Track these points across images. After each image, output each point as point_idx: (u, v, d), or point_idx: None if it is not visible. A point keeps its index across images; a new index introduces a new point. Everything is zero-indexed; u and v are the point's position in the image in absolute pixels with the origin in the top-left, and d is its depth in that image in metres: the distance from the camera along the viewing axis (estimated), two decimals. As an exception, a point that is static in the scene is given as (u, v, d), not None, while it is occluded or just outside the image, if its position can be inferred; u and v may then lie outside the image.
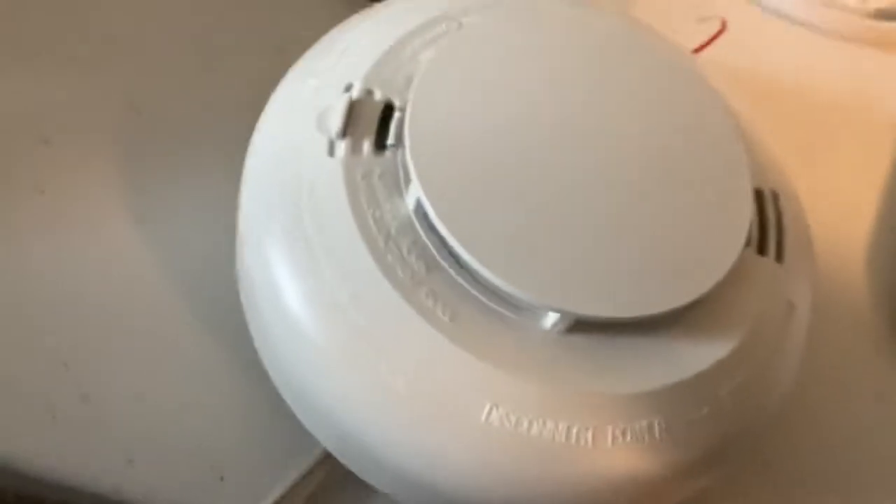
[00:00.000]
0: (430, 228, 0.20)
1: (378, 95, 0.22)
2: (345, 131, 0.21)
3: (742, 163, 0.22)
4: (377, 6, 0.25)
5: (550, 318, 0.19)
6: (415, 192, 0.20)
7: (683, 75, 0.24)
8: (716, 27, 0.31)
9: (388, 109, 0.22)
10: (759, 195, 0.23)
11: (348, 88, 0.22)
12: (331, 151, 0.21)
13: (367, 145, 0.21)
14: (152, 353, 0.24)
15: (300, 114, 0.22)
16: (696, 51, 0.30)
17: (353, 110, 0.21)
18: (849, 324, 0.27)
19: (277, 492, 0.23)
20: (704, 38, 0.31)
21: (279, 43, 0.29)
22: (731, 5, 0.34)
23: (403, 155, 0.21)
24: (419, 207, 0.20)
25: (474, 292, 0.20)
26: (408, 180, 0.20)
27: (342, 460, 0.21)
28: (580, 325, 0.20)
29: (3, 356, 0.23)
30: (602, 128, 0.22)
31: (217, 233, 0.25)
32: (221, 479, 0.23)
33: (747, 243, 0.21)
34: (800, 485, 0.25)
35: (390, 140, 0.21)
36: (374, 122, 0.21)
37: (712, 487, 0.21)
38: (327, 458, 0.23)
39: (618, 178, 0.21)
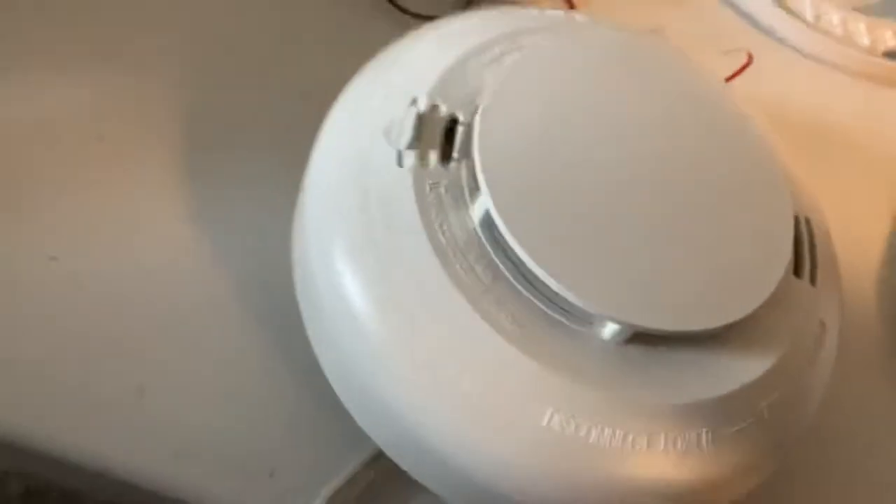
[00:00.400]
0: (496, 239, 0.21)
1: (443, 110, 0.23)
2: (413, 143, 0.22)
3: (783, 190, 0.23)
4: (436, 24, 0.26)
5: (610, 329, 0.20)
6: (483, 204, 0.21)
7: (724, 103, 0.25)
8: (740, 60, 0.32)
9: (451, 123, 0.23)
10: (795, 221, 0.24)
11: (414, 102, 0.23)
12: (399, 162, 0.22)
13: (433, 157, 0.22)
14: (205, 349, 0.25)
15: (366, 124, 0.23)
16: (726, 81, 0.31)
17: (420, 123, 0.22)
18: (863, 343, 0.29)
19: (328, 490, 0.23)
20: (728, 71, 0.32)
21: (330, 54, 0.30)
22: (752, 40, 0.35)
23: (470, 167, 0.22)
24: (486, 218, 0.21)
25: (537, 302, 0.21)
26: (474, 192, 0.21)
27: (397, 460, 0.22)
28: (636, 337, 0.21)
29: (61, 349, 0.24)
30: (656, 149, 0.23)
31: (271, 235, 0.26)
32: (271, 475, 0.23)
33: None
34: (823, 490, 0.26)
35: (455, 153, 0.22)
36: (439, 135, 0.22)
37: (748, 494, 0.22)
38: (378, 458, 0.24)
39: (671, 198, 0.22)
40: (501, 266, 0.21)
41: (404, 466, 0.22)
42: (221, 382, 0.24)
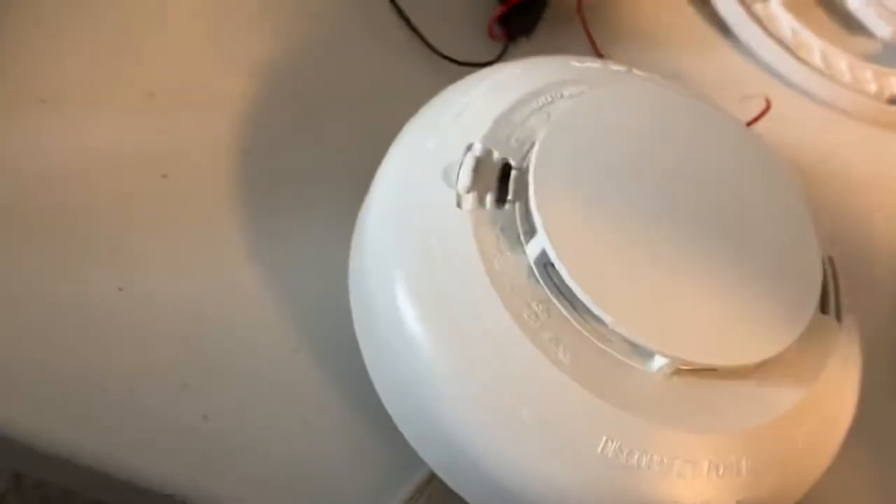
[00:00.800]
0: (551, 277, 0.22)
1: (496, 155, 0.24)
2: (472, 186, 0.23)
3: (811, 232, 0.25)
4: (484, 72, 0.28)
5: (658, 362, 0.22)
6: (539, 242, 0.22)
7: (756, 147, 0.27)
8: (759, 105, 0.34)
9: (506, 168, 0.24)
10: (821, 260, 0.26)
11: (470, 147, 0.24)
12: (459, 203, 0.23)
13: (489, 200, 0.23)
14: (265, 378, 0.26)
15: (424, 168, 0.24)
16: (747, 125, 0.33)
17: (477, 167, 0.24)
18: (877, 383, 0.31)
19: (383, 513, 0.24)
20: (747, 116, 0.34)
21: (380, 100, 0.31)
22: (767, 85, 0.37)
23: (524, 209, 0.23)
24: (542, 256, 0.22)
25: (590, 336, 0.22)
26: (528, 232, 0.23)
27: (451, 484, 0.23)
28: (682, 370, 0.22)
29: (128, 374, 0.25)
30: (697, 192, 0.24)
31: (326, 271, 0.28)
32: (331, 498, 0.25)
33: (814, 303, 0.24)
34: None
35: (510, 196, 0.24)
36: (494, 179, 0.24)
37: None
38: (430, 481, 0.25)
39: (712, 239, 0.24)
40: (556, 302, 0.22)
41: (459, 490, 0.23)
42: (281, 411, 0.26)
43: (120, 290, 0.26)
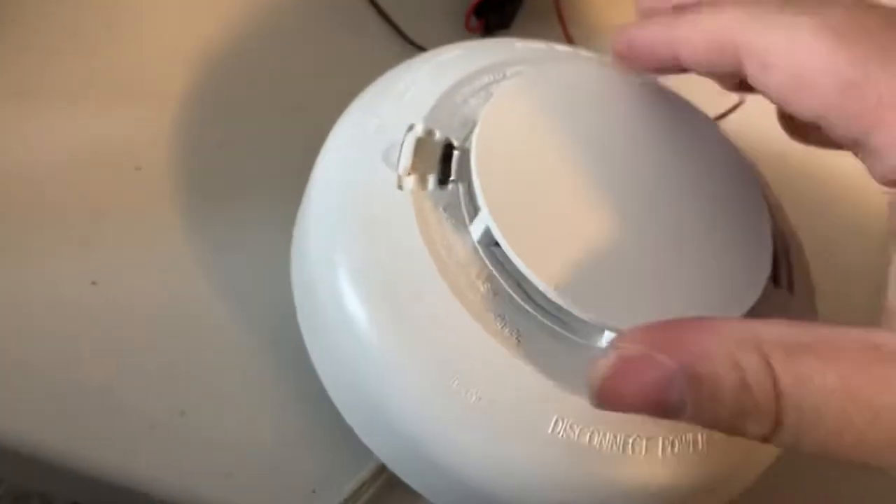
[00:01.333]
0: (496, 255, 0.22)
1: (438, 135, 0.24)
2: (412, 167, 0.23)
3: (762, 208, 0.25)
4: (426, 55, 0.27)
5: (607, 338, 0.21)
6: (482, 220, 0.22)
7: (706, 126, 0.27)
8: (734, 100, 0.34)
9: (447, 148, 0.24)
10: (772, 235, 0.26)
11: (411, 128, 0.24)
12: (400, 185, 0.23)
13: (431, 180, 0.23)
14: (241, 373, 0.26)
15: (365, 150, 0.24)
16: (716, 119, 0.33)
17: (418, 148, 0.23)
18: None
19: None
20: (721, 109, 0.34)
21: (353, 89, 0.31)
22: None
23: (467, 188, 0.23)
24: (486, 235, 0.22)
25: (537, 314, 0.22)
26: (471, 212, 0.22)
27: (400, 474, 0.23)
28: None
29: (104, 370, 0.24)
30: (643, 167, 0.24)
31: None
32: (314, 491, 0.24)
33: (765, 275, 0.24)
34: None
35: (452, 176, 0.23)
36: (436, 159, 0.23)
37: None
38: (380, 473, 0.24)
39: (660, 214, 0.23)
40: (502, 281, 0.22)
41: (408, 479, 0.23)
42: (252, 407, 0.25)
43: (94, 284, 0.25)
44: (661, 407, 0.17)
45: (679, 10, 0.23)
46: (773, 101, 0.22)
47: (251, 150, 0.30)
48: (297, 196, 0.25)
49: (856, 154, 0.20)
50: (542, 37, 0.30)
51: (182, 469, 0.23)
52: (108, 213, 0.27)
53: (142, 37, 0.31)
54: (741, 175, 0.26)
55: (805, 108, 0.20)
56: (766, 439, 0.17)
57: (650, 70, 0.25)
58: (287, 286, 0.25)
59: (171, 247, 0.27)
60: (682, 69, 0.23)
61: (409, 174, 0.23)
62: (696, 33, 0.22)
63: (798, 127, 0.26)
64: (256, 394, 0.25)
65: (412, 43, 0.34)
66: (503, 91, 0.24)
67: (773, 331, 0.17)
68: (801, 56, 0.20)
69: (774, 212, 0.27)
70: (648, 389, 0.17)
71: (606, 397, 0.18)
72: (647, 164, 0.24)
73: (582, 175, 0.23)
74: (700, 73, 0.23)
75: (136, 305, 0.25)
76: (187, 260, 0.27)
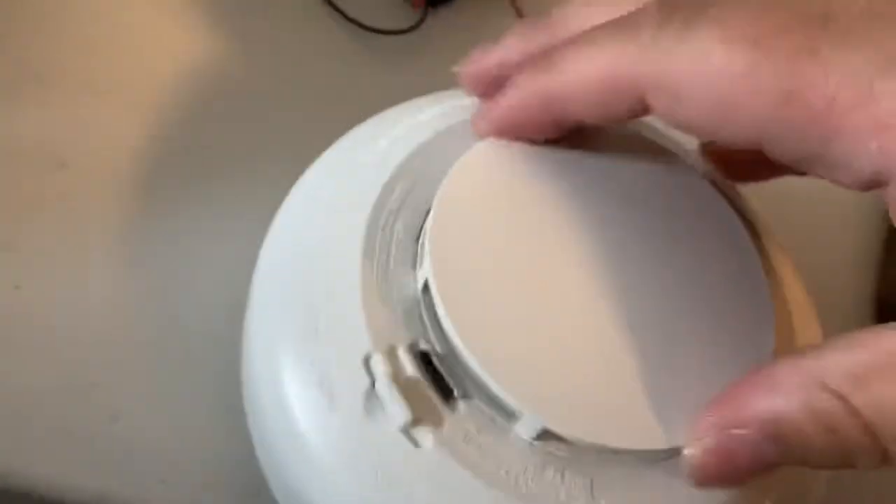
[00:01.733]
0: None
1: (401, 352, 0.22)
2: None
3: (758, 268, 0.23)
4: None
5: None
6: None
7: (694, 180, 0.24)
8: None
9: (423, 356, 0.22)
10: None
11: (367, 362, 0.22)
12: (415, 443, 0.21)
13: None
14: (170, 377, 0.26)
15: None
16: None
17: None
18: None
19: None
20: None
21: (288, 71, 0.30)
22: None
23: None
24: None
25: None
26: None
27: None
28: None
29: (30, 376, 0.25)
30: (613, 239, 0.23)
31: (232, 263, 0.27)
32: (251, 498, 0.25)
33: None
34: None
35: (455, 391, 0.22)
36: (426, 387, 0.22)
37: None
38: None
39: (623, 292, 0.22)
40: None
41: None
42: (189, 412, 0.26)
43: (17, 288, 0.25)
44: (765, 468, 0.17)
45: (524, 63, 0.20)
46: (695, 135, 0.19)
47: (183, 147, 0.29)
48: (228, 197, 0.25)
49: (809, 172, 0.18)
50: (488, 9, 0.28)
51: (114, 476, 0.24)
52: (31, 214, 0.26)
53: (70, 26, 0.29)
54: (726, 227, 0.24)
55: (739, 134, 0.18)
56: (887, 463, 0.17)
57: (528, 136, 0.22)
58: (219, 292, 0.26)
59: (98, 249, 0.26)
60: (561, 130, 0.21)
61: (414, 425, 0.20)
62: (578, 76, 0.19)
63: (730, 161, 0.24)
64: (190, 399, 0.26)
65: (357, 23, 0.32)
66: (451, 177, 0.23)
67: (828, 360, 0.16)
68: (719, 78, 0.17)
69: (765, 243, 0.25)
70: (744, 463, 0.17)
71: (714, 485, 0.18)
72: (619, 232, 0.23)
73: (540, 254, 0.22)
74: (590, 122, 0.21)
75: (62, 309, 0.25)
76: (116, 262, 0.26)
